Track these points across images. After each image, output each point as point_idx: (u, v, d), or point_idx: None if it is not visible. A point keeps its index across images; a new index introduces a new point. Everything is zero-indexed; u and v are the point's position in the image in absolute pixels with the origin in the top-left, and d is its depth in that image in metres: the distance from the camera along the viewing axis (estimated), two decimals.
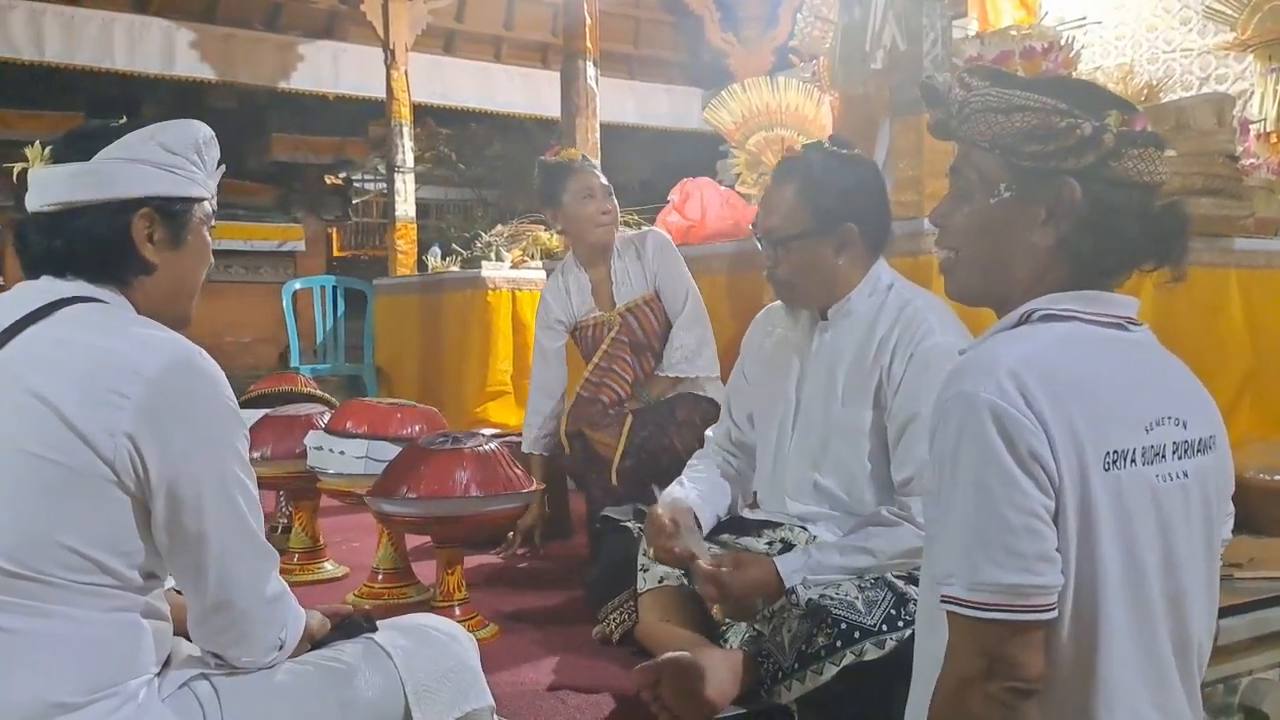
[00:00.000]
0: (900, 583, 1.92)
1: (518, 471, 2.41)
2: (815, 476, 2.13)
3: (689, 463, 2.38)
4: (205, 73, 7.05)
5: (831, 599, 1.88)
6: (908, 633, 1.82)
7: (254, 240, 8.07)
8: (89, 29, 6.55)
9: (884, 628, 1.84)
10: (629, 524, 2.32)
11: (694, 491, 2.22)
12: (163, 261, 1.44)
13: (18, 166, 1.44)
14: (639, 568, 2.19)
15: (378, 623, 1.60)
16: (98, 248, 1.40)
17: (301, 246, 8.42)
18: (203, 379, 1.37)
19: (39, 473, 1.28)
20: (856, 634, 1.84)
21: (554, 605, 2.68)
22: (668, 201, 4.04)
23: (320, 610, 1.58)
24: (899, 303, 2.08)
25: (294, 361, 6.30)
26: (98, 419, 1.28)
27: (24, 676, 1.28)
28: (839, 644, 1.83)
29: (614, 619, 2.26)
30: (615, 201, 3.22)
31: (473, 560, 3.07)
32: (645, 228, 3.54)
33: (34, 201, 1.42)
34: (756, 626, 1.98)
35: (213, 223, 1.53)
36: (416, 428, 2.64)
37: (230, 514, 1.37)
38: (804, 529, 2.14)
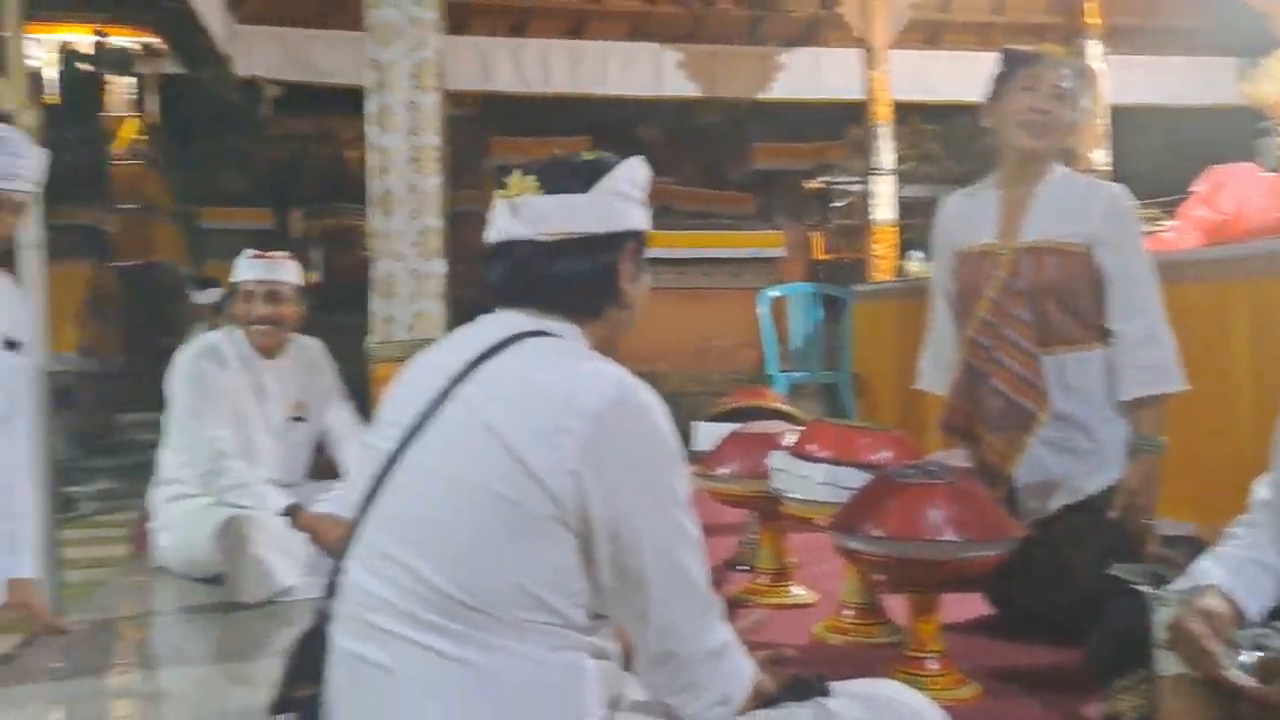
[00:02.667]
0: None
1: (1001, 512, 2.09)
2: None
3: (1228, 529, 1.87)
4: (692, 90, 7.36)
5: None
6: None
7: (736, 248, 8.31)
8: (589, 58, 7.09)
9: None
10: (1142, 587, 1.90)
11: (1229, 576, 1.68)
12: (631, 293, 1.46)
13: (500, 194, 1.44)
14: (1157, 643, 1.77)
15: (831, 685, 1.42)
16: (589, 279, 1.42)
17: (781, 252, 8.54)
18: (644, 417, 1.32)
19: (494, 511, 1.27)
20: None
21: (1047, 665, 2.30)
22: (1190, 193, 3.44)
23: (765, 666, 1.44)
24: None
25: (770, 369, 6.32)
26: (547, 456, 1.27)
27: (474, 710, 1.26)
28: None
29: (1125, 700, 1.85)
30: (1067, 115, 2.50)
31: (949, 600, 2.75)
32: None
33: (529, 229, 1.40)
34: None
35: None
36: (885, 454, 2.40)
37: (671, 561, 1.31)
38: None
